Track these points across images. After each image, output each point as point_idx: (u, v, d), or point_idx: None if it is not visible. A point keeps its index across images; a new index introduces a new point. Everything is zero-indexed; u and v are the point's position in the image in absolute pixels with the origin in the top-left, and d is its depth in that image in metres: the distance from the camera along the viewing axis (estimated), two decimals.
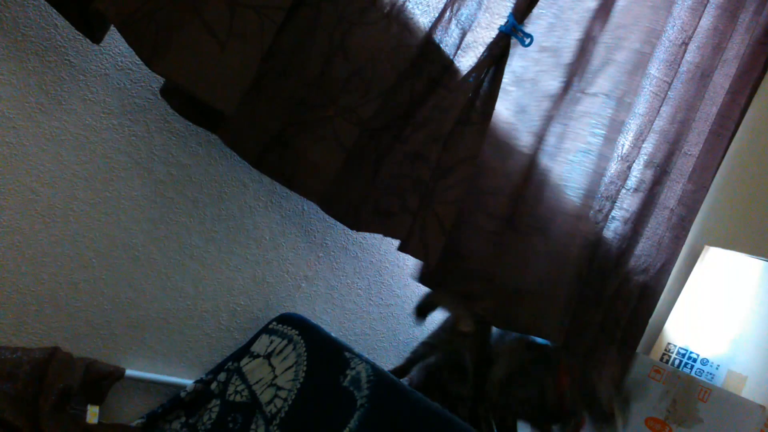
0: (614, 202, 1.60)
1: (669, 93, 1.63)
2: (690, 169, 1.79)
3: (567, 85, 1.33)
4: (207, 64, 0.75)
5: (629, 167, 1.54)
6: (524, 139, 1.30)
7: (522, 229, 1.31)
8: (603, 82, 1.40)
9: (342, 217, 1.09)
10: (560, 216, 1.36)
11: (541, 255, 1.33)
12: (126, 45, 0.80)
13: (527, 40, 1.21)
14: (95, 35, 0.74)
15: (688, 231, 1.91)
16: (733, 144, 2.08)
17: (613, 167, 1.55)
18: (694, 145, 1.77)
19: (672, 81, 1.54)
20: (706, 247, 2.28)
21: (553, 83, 1.29)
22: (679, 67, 1.57)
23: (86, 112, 0.83)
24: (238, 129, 0.91)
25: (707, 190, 1.92)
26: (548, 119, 1.31)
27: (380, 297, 1.32)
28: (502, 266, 1.28)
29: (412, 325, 1.41)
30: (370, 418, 0.87)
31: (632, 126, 1.55)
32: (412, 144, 1.10)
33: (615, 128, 1.39)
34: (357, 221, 1.08)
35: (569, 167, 1.40)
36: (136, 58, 0.79)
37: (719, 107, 1.79)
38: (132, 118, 0.87)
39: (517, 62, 1.21)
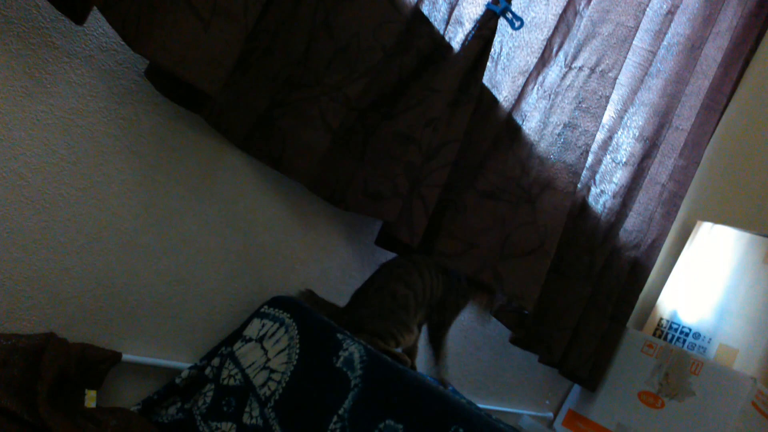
0: (595, 172, 1.60)
1: (660, 66, 1.62)
2: (681, 145, 1.79)
3: (545, 60, 1.32)
4: (190, 44, 0.74)
5: (611, 137, 1.54)
6: (501, 115, 1.30)
7: (507, 199, 1.32)
8: (588, 55, 1.39)
9: (330, 198, 1.09)
10: (547, 191, 1.37)
11: (528, 225, 1.34)
12: (110, 26, 0.79)
13: (517, 23, 1.20)
14: (78, 16, 0.73)
15: (679, 206, 1.92)
16: (724, 118, 2.08)
17: (596, 137, 1.55)
18: (686, 119, 1.77)
19: (657, 51, 1.53)
20: (699, 222, 2.29)
21: (529, 59, 1.29)
22: (664, 36, 1.56)
23: (72, 95, 0.82)
24: (223, 109, 0.91)
25: (698, 165, 1.92)
26: (523, 94, 1.31)
27: None
28: (483, 232, 1.29)
29: None
30: (365, 398, 0.87)
31: (615, 96, 1.55)
32: (401, 124, 1.10)
33: (601, 104, 1.39)
34: (346, 202, 1.08)
35: (554, 141, 1.41)
36: (121, 39, 0.78)
37: (711, 81, 1.79)
38: (119, 100, 0.86)
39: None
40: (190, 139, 0.95)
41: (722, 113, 1.97)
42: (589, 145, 1.40)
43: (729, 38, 1.81)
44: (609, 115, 1.55)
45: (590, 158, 1.55)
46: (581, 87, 1.38)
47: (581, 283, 1.64)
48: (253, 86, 0.93)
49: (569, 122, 1.39)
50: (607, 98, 1.39)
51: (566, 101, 1.39)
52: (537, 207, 1.37)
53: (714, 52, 1.78)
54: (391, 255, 1.33)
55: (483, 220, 1.30)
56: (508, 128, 1.34)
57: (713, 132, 1.97)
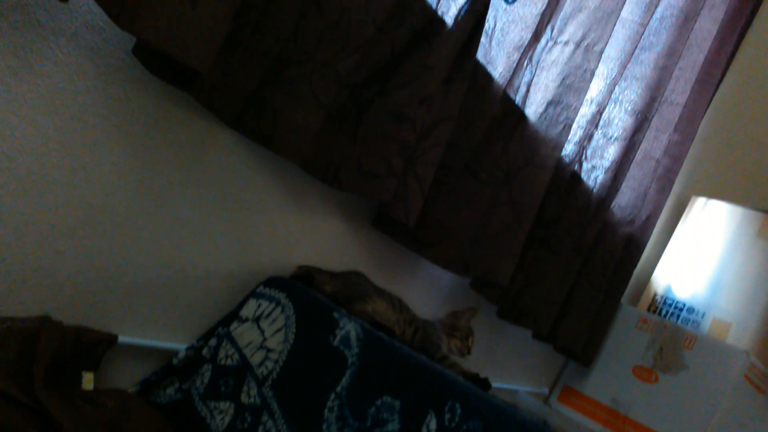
0: (585, 147, 1.60)
1: (652, 39, 1.61)
2: (676, 119, 1.78)
3: (537, 36, 1.31)
4: (178, 21, 0.73)
5: (600, 112, 1.54)
6: (493, 91, 1.29)
7: (485, 179, 1.32)
8: (574, 30, 1.38)
9: (324, 178, 1.08)
10: (525, 167, 1.38)
11: (504, 204, 1.35)
12: (95, 2, 0.77)
13: None
14: None
15: (674, 182, 1.92)
16: (719, 92, 2.07)
17: (583, 112, 1.54)
18: (680, 94, 1.76)
19: (648, 23, 1.52)
20: (693, 197, 2.30)
21: (524, 34, 1.28)
22: (656, 9, 1.54)
23: (59, 75, 0.80)
24: (213, 88, 0.90)
25: (693, 140, 1.92)
26: (517, 71, 1.30)
27: (371, 257, 1.32)
28: (462, 217, 1.30)
29: (403, 285, 1.42)
30: (362, 376, 0.88)
31: (604, 70, 1.54)
32: (395, 101, 1.09)
33: (585, 78, 1.38)
34: (339, 182, 1.08)
35: (537, 118, 1.40)
36: (107, 16, 0.76)
37: (706, 54, 1.78)
38: (107, 79, 0.85)
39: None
40: (181, 119, 0.94)
41: (717, 87, 1.96)
42: (571, 120, 1.40)
43: (724, 11, 1.79)
44: (598, 89, 1.54)
45: (580, 133, 1.55)
46: (566, 63, 1.38)
47: (571, 257, 1.64)
48: (243, 64, 0.92)
49: (552, 99, 1.39)
50: (592, 72, 1.38)
51: (551, 77, 1.38)
52: (514, 185, 1.37)
53: (709, 24, 1.76)
54: (393, 243, 1.33)
55: (469, 202, 1.31)
56: (504, 106, 1.33)
57: (708, 106, 1.97)
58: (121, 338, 0.94)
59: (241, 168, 1.04)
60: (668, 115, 1.77)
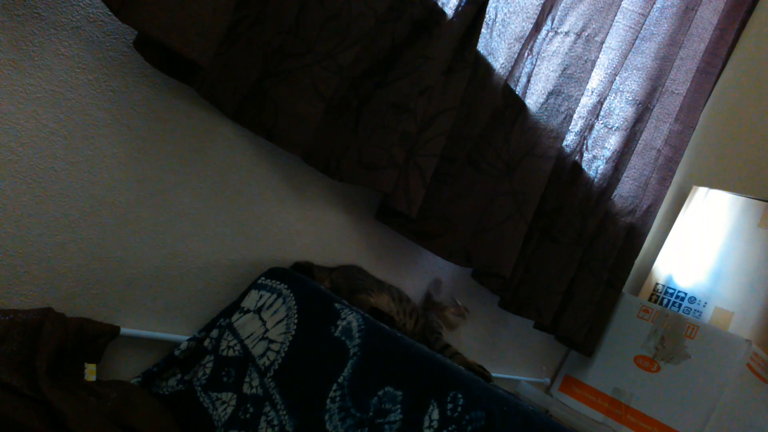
0: (585, 137, 1.60)
1: (653, 29, 1.60)
2: (677, 109, 1.78)
3: (538, 26, 1.30)
4: (178, 14, 0.73)
5: (601, 102, 1.53)
6: (494, 82, 1.28)
7: (486, 170, 1.32)
8: (575, 20, 1.37)
9: (325, 169, 1.08)
10: (527, 158, 1.37)
11: (505, 195, 1.35)
12: None
13: None
14: None
15: (675, 171, 1.92)
16: (720, 82, 2.07)
17: (584, 102, 1.54)
18: (681, 83, 1.76)
19: (648, 13, 1.51)
20: (694, 187, 2.29)
21: (525, 25, 1.27)
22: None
23: (60, 68, 0.81)
24: (214, 80, 0.90)
25: (694, 130, 1.91)
26: (518, 62, 1.29)
27: (372, 249, 1.32)
28: (463, 207, 1.30)
29: (404, 277, 1.43)
30: (364, 366, 0.88)
31: (604, 60, 1.53)
32: (395, 93, 1.09)
33: (586, 69, 1.38)
34: (340, 173, 1.08)
35: (538, 108, 1.40)
36: (108, 9, 0.76)
37: (707, 44, 1.77)
38: (108, 72, 0.85)
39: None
40: (182, 111, 0.94)
41: (718, 77, 1.96)
42: (572, 110, 1.40)
43: (725, 0, 1.78)
44: (599, 79, 1.54)
45: (581, 123, 1.55)
46: (566, 53, 1.37)
47: (572, 247, 1.65)
48: (244, 56, 0.91)
49: (553, 89, 1.39)
50: (593, 62, 1.38)
51: (551, 68, 1.38)
52: (515, 176, 1.37)
53: (709, 14, 1.75)
54: (393, 232, 1.33)
55: (471, 193, 1.31)
56: (505, 97, 1.33)
57: (709, 96, 1.96)
58: (123, 330, 0.94)
59: (243, 160, 1.04)
60: (669, 105, 1.77)
